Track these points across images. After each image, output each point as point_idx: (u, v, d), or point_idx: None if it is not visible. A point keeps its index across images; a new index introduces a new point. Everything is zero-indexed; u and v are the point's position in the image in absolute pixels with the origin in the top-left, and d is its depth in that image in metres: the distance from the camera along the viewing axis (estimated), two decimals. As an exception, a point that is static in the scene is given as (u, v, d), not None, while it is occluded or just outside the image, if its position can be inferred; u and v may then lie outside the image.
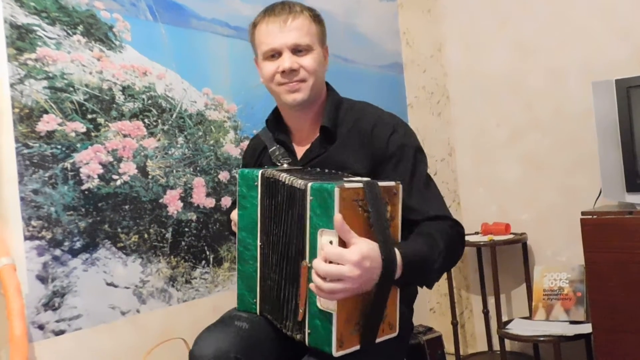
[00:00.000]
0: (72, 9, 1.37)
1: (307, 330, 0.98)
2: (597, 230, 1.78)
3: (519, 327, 2.15)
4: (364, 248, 0.91)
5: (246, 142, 1.72)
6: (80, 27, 1.38)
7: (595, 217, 1.81)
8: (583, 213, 1.83)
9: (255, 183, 1.12)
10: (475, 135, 2.56)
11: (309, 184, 0.96)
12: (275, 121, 1.31)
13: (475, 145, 2.56)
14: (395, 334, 1.01)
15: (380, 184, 0.97)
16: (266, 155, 1.31)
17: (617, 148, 1.77)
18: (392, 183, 0.99)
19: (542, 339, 2.04)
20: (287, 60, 1.19)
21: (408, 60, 2.47)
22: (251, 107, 1.76)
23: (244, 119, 1.74)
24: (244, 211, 1.13)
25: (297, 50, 1.20)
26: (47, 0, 1.32)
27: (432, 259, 1.04)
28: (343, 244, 0.92)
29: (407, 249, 0.99)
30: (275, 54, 1.21)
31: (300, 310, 0.98)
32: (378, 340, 0.98)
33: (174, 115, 1.57)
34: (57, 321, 1.30)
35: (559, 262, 2.30)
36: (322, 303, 0.94)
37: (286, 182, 1.05)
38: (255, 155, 1.34)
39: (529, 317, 2.23)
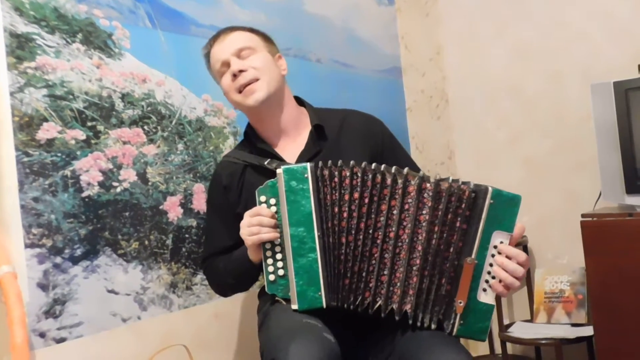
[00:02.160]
0: (71, 18, 1.37)
1: (458, 321, 1.09)
2: (597, 232, 1.78)
3: (521, 330, 2.14)
4: None
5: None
6: (80, 35, 1.39)
7: (595, 219, 1.81)
8: (583, 215, 1.83)
9: (305, 175, 1.14)
10: (474, 138, 2.57)
11: (490, 188, 1.08)
12: (254, 134, 1.39)
13: (475, 148, 2.57)
14: None
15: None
16: (247, 174, 1.34)
17: (617, 150, 1.78)
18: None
19: (543, 342, 2.03)
20: (235, 64, 1.30)
21: (407, 64, 2.47)
22: (250, 112, 1.77)
23: (243, 124, 1.72)
24: (293, 205, 1.14)
25: (241, 55, 1.32)
26: (46, 9, 1.33)
27: None
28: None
29: None
30: (226, 67, 1.33)
31: (461, 304, 1.08)
32: None
33: (174, 122, 1.57)
34: (58, 329, 1.30)
35: (560, 265, 2.30)
36: (484, 298, 1.09)
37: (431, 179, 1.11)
38: (237, 178, 1.35)
39: (531, 320, 2.23)
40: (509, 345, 2.27)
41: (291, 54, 1.91)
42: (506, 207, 1.08)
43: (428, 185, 1.10)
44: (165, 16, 1.59)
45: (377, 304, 1.13)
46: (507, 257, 1.08)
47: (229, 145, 1.70)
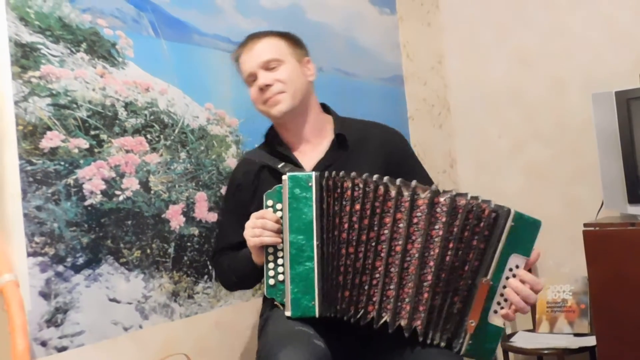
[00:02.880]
0: (75, 27, 1.38)
1: (467, 341, 1.06)
2: (599, 242, 1.77)
3: (523, 340, 2.14)
4: None
5: (248, 157, 1.74)
6: (84, 45, 1.40)
7: (597, 228, 1.81)
8: (585, 225, 1.83)
9: (310, 184, 1.14)
10: (476, 146, 2.57)
11: (512, 210, 1.05)
12: (276, 136, 1.40)
13: (477, 156, 2.57)
14: None
15: None
16: (263, 175, 1.34)
17: (618, 160, 1.78)
18: None
19: (546, 352, 2.03)
20: (261, 78, 1.32)
21: (408, 73, 2.48)
22: (252, 121, 1.77)
23: (246, 133, 1.75)
24: (295, 212, 1.14)
25: (268, 67, 1.32)
26: (51, 18, 1.34)
27: None
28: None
29: None
30: (253, 78, 1.34)
31: (472, 324, 1.06)
32: None
33: (176, 131, 1.58)
34: (60, 337, 1.29)
35: (562, 274, 2.29)
36: (495, 320, 1.07)
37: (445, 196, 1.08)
38: (251, 178, 1.36)
39: (533, 330, 2.22)
40: (511, 355, 2.26)
41: (293, 63, 1.91)
42: (526, 231, 1.07)
43: (442, 199, 1.07)
44: (168, 25, 1.60)
45: (383, 319, 1.11)
46: (522, 281, 1.06)
47: (231, 153, 1.70)
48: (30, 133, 1.28)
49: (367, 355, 1.21)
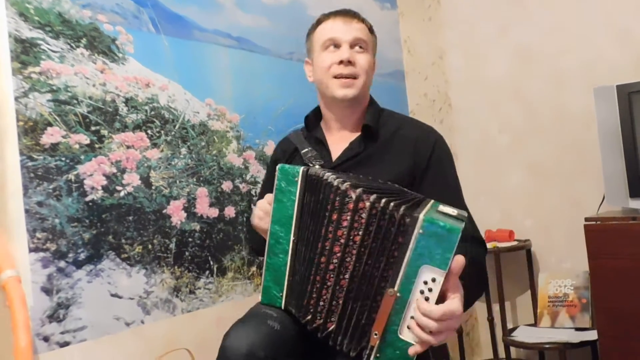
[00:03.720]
0: (75, 23, 1.38)
1: (374, 354, 0.99)
2: (601, 236, 1.77)
3: (524, 335, 2.14)
4: (461, 307, 0.96)
5: (249, 152, 1.74)
6: (84, 40, 1.39)
7: (598, 223, 1.81)
8: (587, 219, 1.83)
9: (296, 179, 1.11)
10: (477, 142, 2.57)
11: (421, 216, 0.93)
12: (315, 120, 1.38)
13: (478, 152, 2.57)
14: None
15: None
16: (297, 157, 1.33)
17: (620, 154, 1.78)
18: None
19: (547, 346, 2.03)
20: (346, 52, 1.28)
21: (409, 68, 2.48)
22: (253, 116, 1.77)
23: (247, 128, 1.75)
24: (279, 204, 1.13)
25: (355, 46, 1.30)
26: (51, 14, 1.34)
27: (473, 300, 1.11)
28: (445, 284, 0.94)
29: (467, 298, 1.01)
30: (334, 46, 1.30)
31: (375, 335, 0.98)
32: None
33: (177, 126, 1.58)
34: (62, 333, 1.30)
35: (564, 269, 2.29)
36: (408, 335, 0.97)
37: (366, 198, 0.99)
38: (286, 157, 1.36)
39: (534, 324, 2.22)
40: (512, 349, 2.26)
41: (294, 58, 1.91)
42: (438, 240, 0.93)
43: (367, 204, 0.99)
44: (168, 21, 1.59)
45: (307, 317, 1.09)
46: (437, 304, 0.94)
47: (232, 149, 1.70)
48: (30, 129, 1.28)
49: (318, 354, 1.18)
